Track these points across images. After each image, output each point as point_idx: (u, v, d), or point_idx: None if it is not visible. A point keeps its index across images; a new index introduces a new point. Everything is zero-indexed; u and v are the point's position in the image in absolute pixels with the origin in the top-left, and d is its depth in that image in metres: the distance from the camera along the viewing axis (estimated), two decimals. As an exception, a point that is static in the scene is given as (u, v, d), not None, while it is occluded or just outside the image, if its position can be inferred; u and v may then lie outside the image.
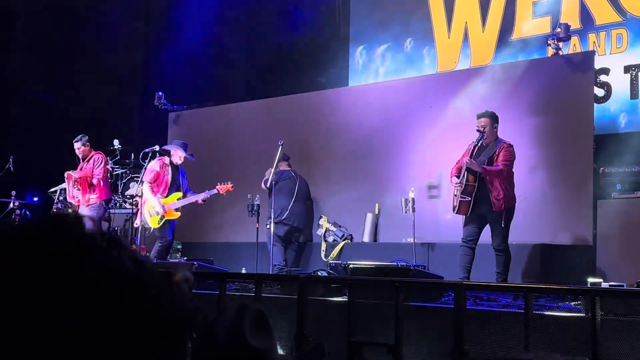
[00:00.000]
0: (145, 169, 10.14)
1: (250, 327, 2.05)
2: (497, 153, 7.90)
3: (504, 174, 7.82)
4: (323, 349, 2.41)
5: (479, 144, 7.98)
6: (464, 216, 8.01)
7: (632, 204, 8.40)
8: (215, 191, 10.05)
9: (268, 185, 9.89)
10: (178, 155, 10.09)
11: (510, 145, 7.98)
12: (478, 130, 8.02)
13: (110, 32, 13.72)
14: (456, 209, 7.95)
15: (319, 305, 6.67)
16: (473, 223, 7.93)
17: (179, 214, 10.04)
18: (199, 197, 10.01)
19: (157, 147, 10.92)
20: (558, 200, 9.11)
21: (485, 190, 7.80)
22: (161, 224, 9.96)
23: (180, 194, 10.05)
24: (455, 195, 8.01)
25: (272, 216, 9.74)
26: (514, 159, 7.97)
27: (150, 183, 9.95)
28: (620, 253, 8.18)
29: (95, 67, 13.42)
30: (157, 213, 9.94)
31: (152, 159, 10.36)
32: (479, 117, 8.11)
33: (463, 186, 7.84)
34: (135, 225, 10.22)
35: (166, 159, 10.13)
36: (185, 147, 10.20)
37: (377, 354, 6.18)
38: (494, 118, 8.08)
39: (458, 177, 7.96)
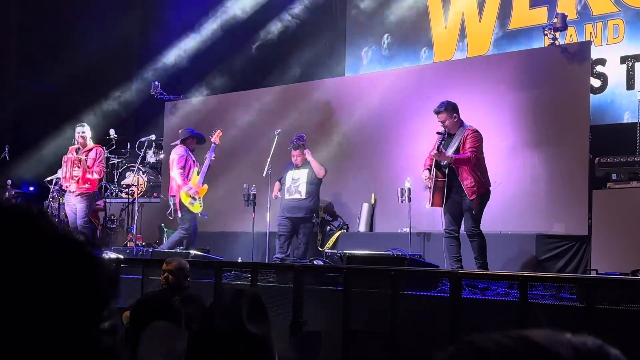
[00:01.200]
0: (171, 161, 10.12)
1: (247, 313, 2.05)
2: (462, 141, 7.93)
3: (472, 161, 7.84)
4: (319, 337, 2.42)
5: (445, 136, 8.03)
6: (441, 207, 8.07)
7: (628, 193, 8.42)
8: (213, 145, 10.20)
9: (265, 175, 9.89)
10: (190, 141, 10.15)
11: (475, 131, 8.00)
12: (440, 133, 8.07)
13: (106, 21, 13.68)
14: (431, 201, 8.00)
15: (314, 294, 6.68)
16: (450, 212, 7.99)
17: (206, 186, 10.11)
18: (209, 160, 10.09)
19: (153, 137, 10.94)
20: (553, 191, 9.13)
21: (457, 180, 7.86)
22: (202, 205, 10.01)
23: (197, 169, 10.10)
24: (429, 188, 8.06)
25: (269, 205, 9.75)
26: (481, 143, 7.99)
27: (181, 170, 9.96)
28: (616, 242, 8.20)
29: (91, 56, 13.37)
30: (195, 198, 9.99)
31: (148, 148, 10.36)
32: (436, 113, 8.13)
33: (434, 181, 7.89)
34: (170, 218, 10.22)
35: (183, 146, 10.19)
36: (191, 132, 10.24)
37: (372, 342, 6.20)
38: (450, 109, 8.07)
39: (430, 170, 8.00)
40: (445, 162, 7.85)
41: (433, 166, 7.93)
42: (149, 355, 2.19)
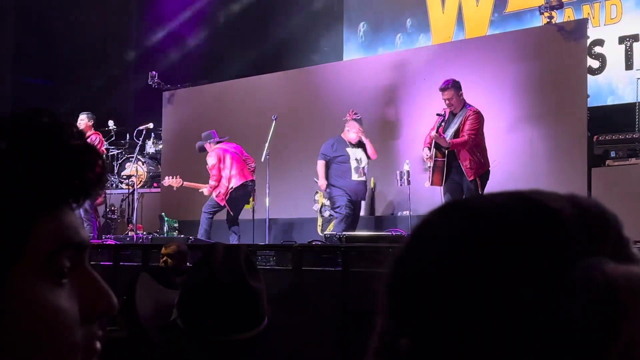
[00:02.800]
0: None
1: (246, 267, 2.04)
2: (463, 122, 7.92)
3: (470, 144, 7.82)
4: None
5: (445, 117, 8.03)
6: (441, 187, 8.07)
7: (626, 170, 8.40)
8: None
9: (263, 160, 9.86)
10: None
11: (476, 112, 8.00)
12: (439, 114, 8.05)
13: (102, 11, 13.66)
14: (430, 180, 8.00)
15: (314, 275, 6.68)
16: (450, 192, 7.98)
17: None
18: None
19: (151, 125, 10.93)
20: (552, 169, 9.10)
21: (456, 160, 7.86)
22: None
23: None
24: (429, 167, 8.06)
25: (268, 190, 9.74)
26: (482, 124, 7.99)
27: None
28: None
29: (88, 48, 13.37)
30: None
31: (147, 138, 10.33)
32: (442, 90, 8.11)
33: (433, 161, 7.89)
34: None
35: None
36: (213, 135, 10.23)
37: (372, 321, 6.18)
38: (457, 87, 8.08)
39: (429, 148, 7.99)
40: (442, 145, 7.85)
41: (433, 146, 7.92)
42: (142, 305, 2.16)
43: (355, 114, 9.35)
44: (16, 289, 0.66)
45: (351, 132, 9.24)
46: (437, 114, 8.16)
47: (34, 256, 0.67)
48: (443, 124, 8.01)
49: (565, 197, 0.66)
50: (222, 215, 10.34)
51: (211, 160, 9.95)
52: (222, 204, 9.96)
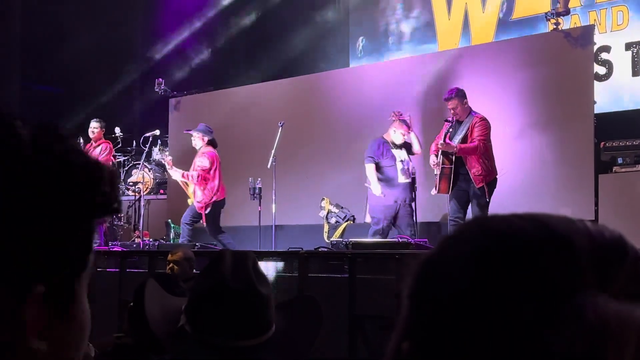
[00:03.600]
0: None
1: (254, 273, 2.05)
2: (470, 129, 7.93)
3: (480, 150, 7.84)
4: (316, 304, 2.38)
5: (453, 124, 8.03)
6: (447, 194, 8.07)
7: (634, 177, 8.38)
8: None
9: (269, 167, 9.86)
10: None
11: (483, 119, 8.02)
12: (448, 121, 8.05)
13: (110, 19, 13.70)
14: (437, 188, 7.99)
15: (320, 281, 6.68)
16: (457, 200, 7.99)
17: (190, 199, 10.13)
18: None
19: (157, 132, 10.95)
20: (559, 175, 9.09)
21: (464, 168, 7.85)
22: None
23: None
24: (436, 175, 8.06)
25: (274, 197, 9.74)
26: (489, 131, 8.02)
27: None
28: (622, 227, 8.08)
29: (96, 55, 13.41)
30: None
31: (154, 145, 10.33)
32: (446, 100, 8.13)
33: (440, 168, 7.89)
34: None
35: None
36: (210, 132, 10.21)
37: (378, 327, 6.18)
38: (460, 95, 8.10)
39: (437, 156, 8.00)
40: (450, 151, 7.85)
41: (440, 153, 7.93)
42: (150, 311, 2.17)
43: (400, 114, 9.03)
44: (78, 296, 0.74)
45: (397, 134, 8.86)
46: (446, 120, 8.18)
47: (89, 268, 0.75)
48: (451, 130, 8.02)
49: (587, 228, 0.68)
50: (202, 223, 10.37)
51: (205, 162, 9.81)
52: (201, 212, 9.87)
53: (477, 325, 0.63)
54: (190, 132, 10.17)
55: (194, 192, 9.91)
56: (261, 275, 2.08)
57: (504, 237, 0.67)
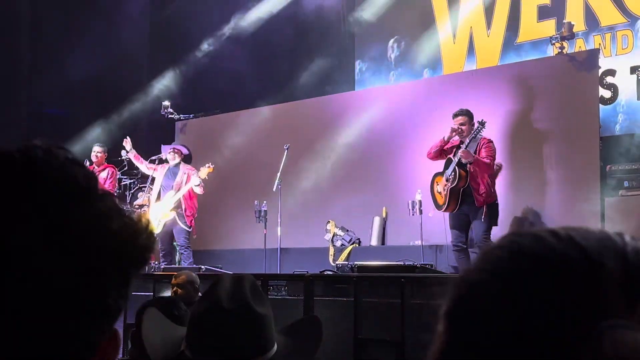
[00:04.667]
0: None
1: (251, 294, 2.06)
2: (478, 150, 7.93)
3: (491, 169, 7.89)
4: (318, 323, 2.39)
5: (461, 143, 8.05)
6: (449, 216, 8.04)
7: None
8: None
9: (275, 189, 9.87)
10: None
11: (490, 141, 8.04)
12: (455, 130, 8.04)
13: (116, 42, 13.78)
14: (445, 205, 7.97)
15: (325, 304, 6.66)
16: (458, 224, 8.00)
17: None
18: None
19: (163, 155, 10.98)
20: (565, 199, 9.07)
21: (469, 188, 7.85)
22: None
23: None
24: (439, 192, 8.04)
25: (279, 220, 9.74)
26: (495, 154, 8.02)
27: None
28: (629, 250, 8.12)
29: (101, 78, 13.47)
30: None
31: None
32: (456, 115, 8.15)
33: (455, 180, 7.85)
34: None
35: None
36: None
37: (383, 351, 6.15)
38: (470, 116, 8.14)
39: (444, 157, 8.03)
40: (467, 160, 7.82)
41: (454, 164, 7.89)
42: (149, 339, 2.18)
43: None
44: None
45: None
46: (453, 129, 8.13)
47: None
48: (461, 146, 8.01)
49: (623, 246, 0.67)
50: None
51: (198, 181, 10.06)
52: (190, 225, 10.20)
53: (504, 346, 0.64)
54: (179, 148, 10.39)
55: (180, 207, 10.03)
56: (259, 296, 2.09)
57: (533, 258, 0.66)
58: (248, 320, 2.00)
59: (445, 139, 8.00)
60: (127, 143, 10.71)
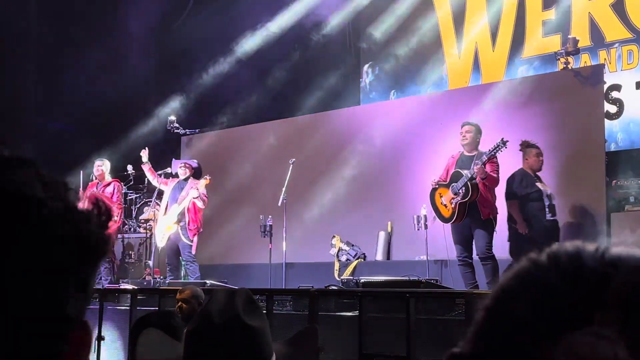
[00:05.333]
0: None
1: (243, 307, 2.07)
2: (483, 165, 7.94)
3: (498, 183, 7.90)
4: (315, 332, 2.41)
5: (461, 157, 8.08)
6: (452, 231, 8.04)
7: (646, 216, 8.35)
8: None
9: (280, 204, 9.88)
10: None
11: (494, 156, 8.03)
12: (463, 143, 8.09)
13: (122, 57, 13.85)
14: (453, 218, 7.96)
15: (330, 320, 6.64)
16: (461, 239, 8.01)
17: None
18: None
19: (169, 170, 11.01)
20: (571, 214, 9.06)
21: (476, 200, 7.86)
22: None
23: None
24: (444, 205, 8.04)
25: (284, 235, 9.74)
26: (499, 168, 8.04)
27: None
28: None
29: (107, 93, 13.53)
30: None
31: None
32: (464, 124, 8.19)
33: (468, 195, 7.84)
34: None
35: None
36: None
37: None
38: (479, 129, 8.15)
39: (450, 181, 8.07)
40: (482, 176, 7.83)
41: (466, 180, 7.88)
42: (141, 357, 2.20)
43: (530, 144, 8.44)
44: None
45: (531, 160, 8.39)
46: (452, 156, 8.19)
47: None
48: (478, 160, 8.03)
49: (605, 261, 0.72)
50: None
51: (196, 193, 10.07)
52: (192, 239, 10.17)
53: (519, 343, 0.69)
54: (189, 163, 10.40)
55: (183, 220, 10.03)
56: (253, 309, 2.11)
57: (567, 275, 0.70)
58: (239, 334, 2.03)
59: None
60: (145, 154, 10.70)
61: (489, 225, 7.85)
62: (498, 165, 8.06)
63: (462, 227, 7.98)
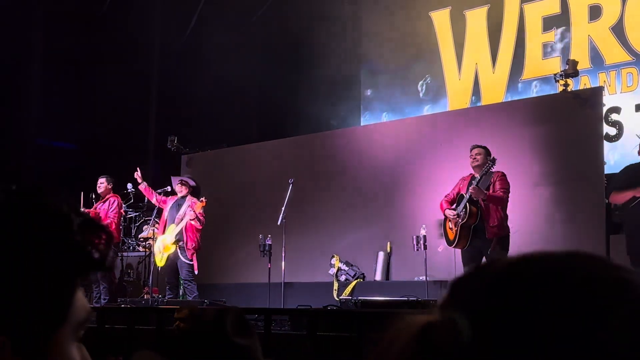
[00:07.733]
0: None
1: (232, 326, 2.08)
2: (492, 183, 7.95)
3: (505, 201, 7.87)
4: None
5: (472, 179, 8.06)
6: (461, 252, 8.02)
7: (645, 238, 8.31)
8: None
9: (279, 224, 9.87)
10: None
11: (504, 174, 8.04)
12: (474, 166, 8.08)
13: (123, 75, 13.89)
14: (455, 241, 7.95)
15: (329, 340, 6.62)
16: (470, 260, 7.94)
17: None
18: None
19: (169, 188, 11.00)
20: (570, 236, 9.05)
21: (481, 223, 7.83)
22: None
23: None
24: (451, 229, 8.03)
25: (284, 254, 9.73)
26: (509, 187, 8.03)
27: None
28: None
29: (108, 112, 13.58)
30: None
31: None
32: (473, 147, 8.20)
33: (466, 216, 7.84)
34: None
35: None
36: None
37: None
38: (488, 151, 8.17)
39: (450, 210, 8.02)
40: (480, 197, 7.83)
41: (465, 200, 7.88)
42: None
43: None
44: (58, 349, 0.82)
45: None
46: (463, 177, 8.18)
47: (71, 322, 0.83)
48: (473, 181, 8.03)
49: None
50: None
51: (192, 215, 9.96)
52: (192, 258, 10.01)
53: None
54: (186, 180, 10.36)
55: (182, 240, 9.97)
56: (242, 328, 2.12)
57: (570, 285, 0.69)
58: (224, 351, 2.04)
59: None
60: (138, 176, 10.63)
61: (497, 246, 7.79)
62: (507, 183, 8.05)
63: (471, 249, 7.93)
